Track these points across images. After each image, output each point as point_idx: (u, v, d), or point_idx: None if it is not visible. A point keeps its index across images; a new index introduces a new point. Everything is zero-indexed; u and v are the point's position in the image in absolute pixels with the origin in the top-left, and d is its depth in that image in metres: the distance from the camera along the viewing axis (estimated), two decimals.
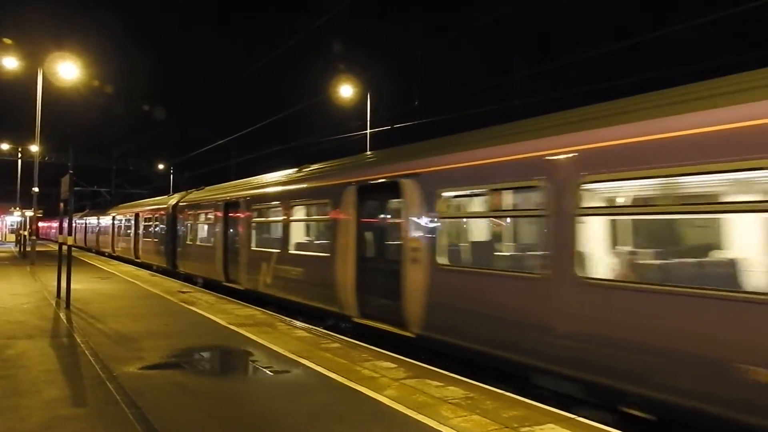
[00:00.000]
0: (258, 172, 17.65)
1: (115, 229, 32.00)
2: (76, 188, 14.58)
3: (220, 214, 16.16)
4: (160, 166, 54.43)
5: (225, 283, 15.47)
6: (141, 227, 26.13)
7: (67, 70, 22.10)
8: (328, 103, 25.54)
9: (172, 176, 53.99)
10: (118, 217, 31.62)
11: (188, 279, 18.84)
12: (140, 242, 26.20)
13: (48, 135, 46.30)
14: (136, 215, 26.92)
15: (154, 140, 78.83)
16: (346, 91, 24.47)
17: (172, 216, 21.20)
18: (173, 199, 22.19)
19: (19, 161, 43.85)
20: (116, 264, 26.22)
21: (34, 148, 26.98)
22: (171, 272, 20.79)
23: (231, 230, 15.60)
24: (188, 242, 19.36)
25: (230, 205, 15.61)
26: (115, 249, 31.58)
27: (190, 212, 19.41)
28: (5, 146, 46.35)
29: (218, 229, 16.22)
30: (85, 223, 43.65)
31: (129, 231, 28.47)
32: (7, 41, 23.96)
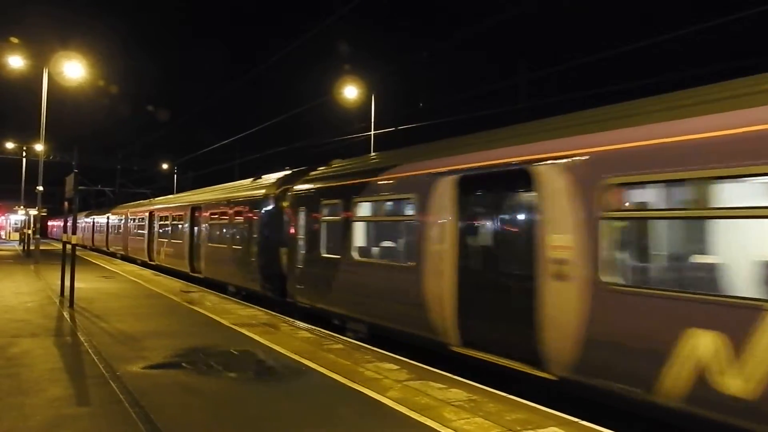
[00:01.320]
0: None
1: (155, 230, 24.27)
2: (80, 187, 14.45)
3: (447, 206, 7.77)
4: (164, 166, 54.70)
5: (455, 348, 7.51)
6: (202, 228, 18.33)
7: (73, 69, 22.31)
8: (332, 104, 25.70)
9: (175, 176, 54.23)
10: (159, 213, 23.74)
11: (312, 315, 11.09)
12: (202, 250, 18.14)
13: (53, 134, 46.57)
14: (193, 211, 19.30)
15: (157, 141, 79.38)
16: (350, 92, 24.58)
17: (275, 211, 13.73)
18: (266, 187, 14.51)
19: (24, 160, 44.09)
20: (120, 263, 26.25)
21: (39, 147, 27.08)
22: (273, 301, 13.08)
23: (472, 239, 7.60)
24: (323, 257, 10.86)
25: (468, 184, 7.60)
26: (154, 256, 24.08)
27: (326, 203, 10.97)
28: (10, 145, 46.58)
29: (437, 235, 7.88)
30: (107, 222, 35.50)
31: (178, 233, 20.79)
32: (14, 40, 24.13)
